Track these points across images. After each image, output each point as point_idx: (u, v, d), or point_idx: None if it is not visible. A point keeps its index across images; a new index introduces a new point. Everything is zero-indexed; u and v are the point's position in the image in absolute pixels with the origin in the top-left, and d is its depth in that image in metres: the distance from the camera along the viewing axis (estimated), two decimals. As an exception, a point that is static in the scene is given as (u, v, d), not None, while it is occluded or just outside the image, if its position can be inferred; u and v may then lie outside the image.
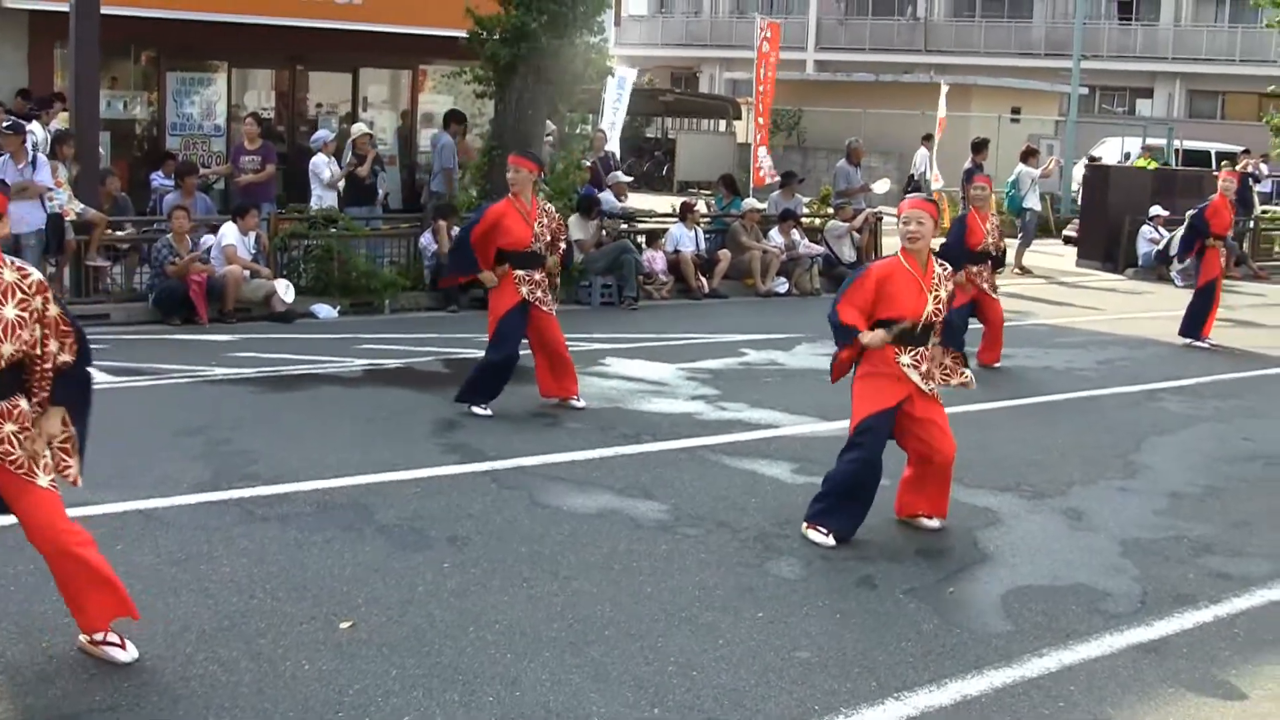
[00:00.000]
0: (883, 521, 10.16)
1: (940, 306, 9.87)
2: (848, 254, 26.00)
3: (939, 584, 9.09)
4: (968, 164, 26.42)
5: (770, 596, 8.67)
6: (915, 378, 9.81)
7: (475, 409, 13.52)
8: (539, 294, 13.55)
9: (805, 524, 9.92)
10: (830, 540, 9.75)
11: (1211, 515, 11.20)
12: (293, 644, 7.56)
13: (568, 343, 13.93)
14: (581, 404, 13.91)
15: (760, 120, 31.62)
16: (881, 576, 9.18)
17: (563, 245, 14.13)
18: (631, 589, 8.66)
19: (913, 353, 9.83)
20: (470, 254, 13.44)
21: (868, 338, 9.71)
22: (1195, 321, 20.16)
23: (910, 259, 9.81)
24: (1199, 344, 20.03)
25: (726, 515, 10.38)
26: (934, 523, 10.24)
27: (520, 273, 13.42)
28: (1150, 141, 45.62)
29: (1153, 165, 35.12)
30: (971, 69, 59.47)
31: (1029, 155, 31.42)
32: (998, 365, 17.41)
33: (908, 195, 13.25)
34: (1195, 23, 67.81)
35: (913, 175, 34.11)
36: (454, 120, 24.34)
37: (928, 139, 34.85)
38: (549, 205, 14.06)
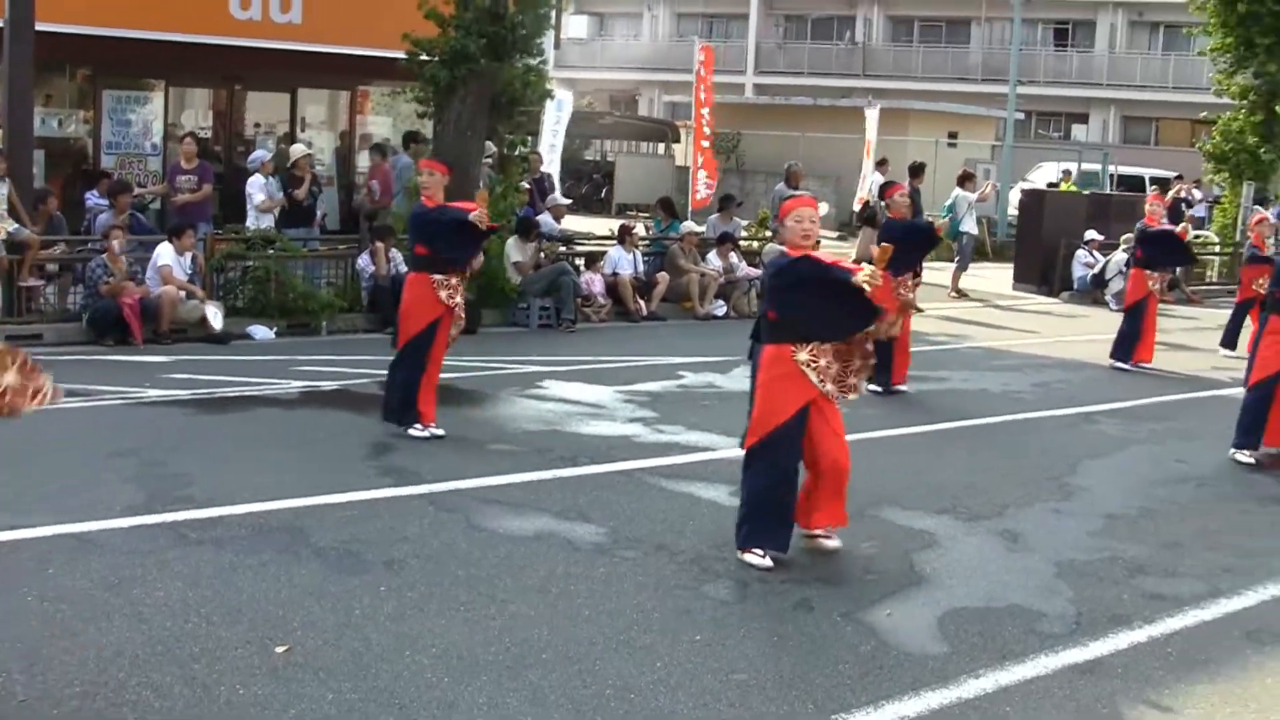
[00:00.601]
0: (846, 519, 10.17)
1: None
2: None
3: (876, 606, 9.10)
4: (883, 178, 26.56)
5: (708, 619, 8.66)
6: (812, 376, 9.74)
7: (413, 430, 13.49)
8: (457, 299, 13.53)
9: (739, 550, 9.91)
10: (768, 561, 9.75)
11: (1145, 536, 11.26)
12: (228, 668, 7.50)
13: (505, 365, 13.89)
14: (441, 432, 13.69)
15: (705, 144, 31.68)
16: (819, 599, 9.18)
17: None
18: (569, 612, 8.63)
19: (810, 349, 9.78)
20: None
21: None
22: (1125, 345, 20.28)
23: (801, 255, 9.82)
24: (1124, 367, 20.12)
25: (664, 538, 10.37)
26: (833, 542, 10.14)
27: (438, 277, 13.41)
28: (1086, 166, 45.90)
29: (1072, 188, 35.41)
30: (909, 93, 59.80)
31: (965, 179, 31.53)
32: (902, 387, 17.42)
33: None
34: (1129, 50, 68.28)
35: (868, 202, 34.05)
36: (413, 140, 24.30)
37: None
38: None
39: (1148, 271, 20.29)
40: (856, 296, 9.51)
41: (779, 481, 9.81)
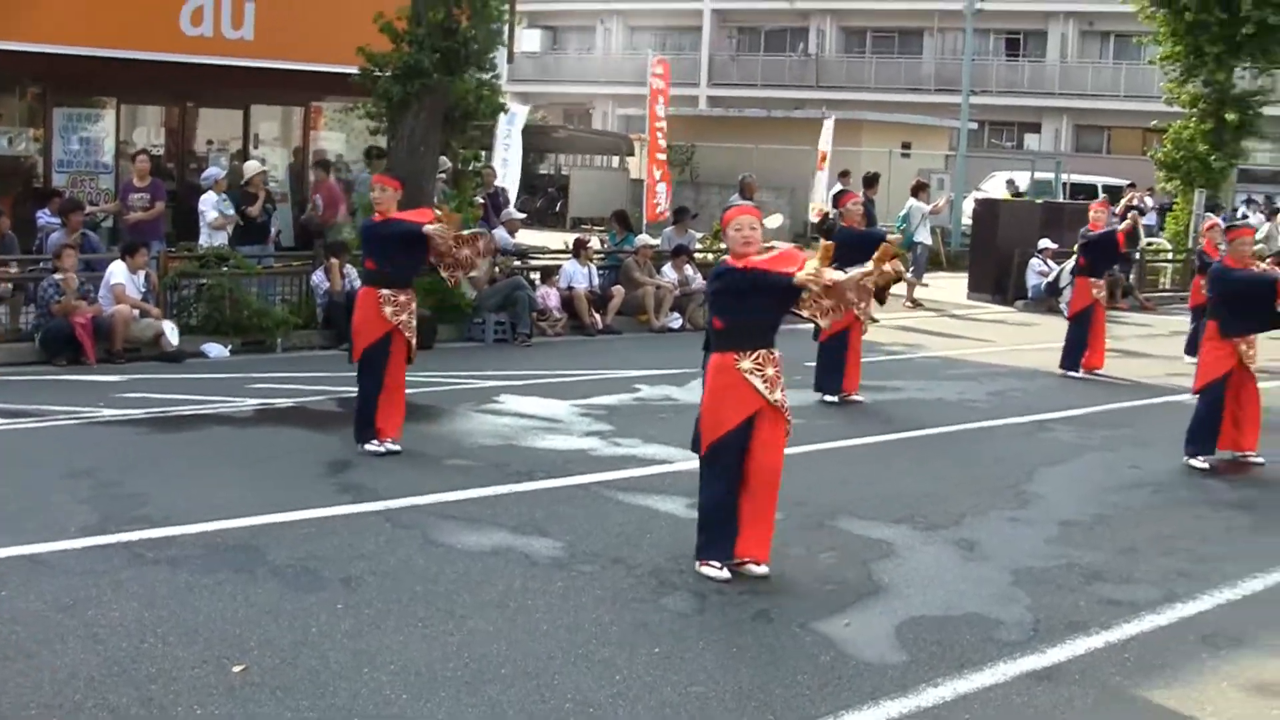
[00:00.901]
0: (776, 555, 10.15)
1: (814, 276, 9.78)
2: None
3: (834, 616, 9.11)
4: (838, 187, 26.62)
5: (666, 632, 8.66)
6: (758, 384, 9.71)
7: (369, 446, 13.46)
8: (404, 317, 13.51)
9: (698, 561, 9.90)
10: (725, 574, 9.75)
11: (1101, 543, 11.31)
12: (184, 688, 7.47)
13: (461, 380, 13.86)
14: (397, 448, 13.60)
15: (661, 156, 31.71)
16: (777, 610, 9.18)
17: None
18: (527, 627, 8.62)
19: (753, 356, 9.76)
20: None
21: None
22: (1073, 353, 20.39)
23: (742, 265, 9.83)
24: (1075, 375, 20.22)
25: (621, 551, 10.37)
26: (761, 569, 9.95)
27: (386, 291, 13.40)
28: (1039, 175, 46.02)
29: (1014, 198, 35.65)
30: (862, 104, 59.83)
31: (919, 189, 31.61)
32: (857, 397, 17.45)
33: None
34: (1081, 59, 68.62)
35: (827, 215, 34.06)
36: (375, 155, 24.24)
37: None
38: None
39: (1092, 279, 20.40)
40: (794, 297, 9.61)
41: (729, 496, 9.80)
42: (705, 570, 9.80)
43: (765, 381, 9.72)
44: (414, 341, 13.71)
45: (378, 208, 13.75)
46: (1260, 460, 14.51)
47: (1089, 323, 20.39)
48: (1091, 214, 21.09)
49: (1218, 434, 14.50)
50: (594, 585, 9.55)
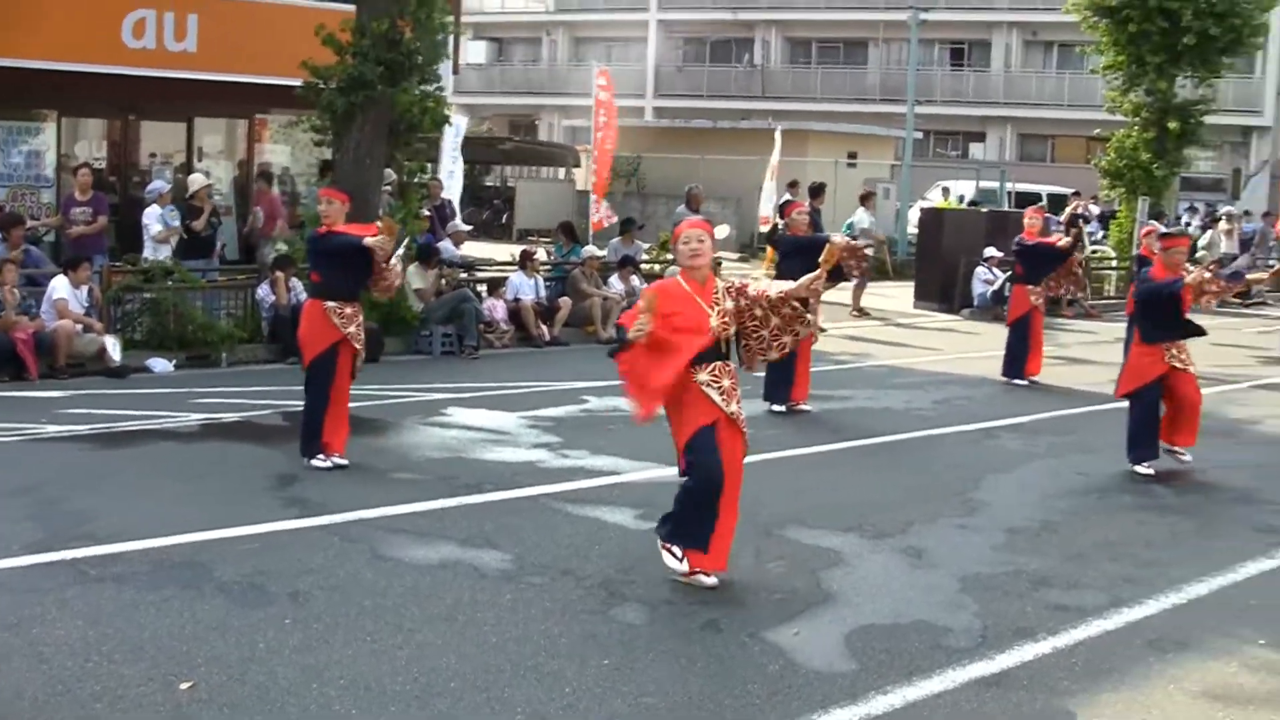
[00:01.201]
0: (727, 565, 10.16)
1: (727, 320, 9.83)
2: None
3: (783, 625, 9.11)
4: (785, 196, 26.70)
5: (616, 643, 8.65)
6: (715, 396, 9.73)
7: (315, 461, 13.42)
8: (352, 329, 13.48)
9: (661, 543, 9.85)
10: (684, 565, 9.75)
11: (1048, 549, 11.36)
12: (131, 706, 7.43)
13: (408, 393, 13.83)
14: (344, 462, 13.57)
15: (594, 168, 31.69)
16: (726, 620, 9.18)
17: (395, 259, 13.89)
18: (476, 639, 8.60)
19: (709, 368, 9.78)
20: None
21: (633, 329, 9.66)
22: (1014, 361, 20.48)
23: (689, 279, 9.87)
24: (1018, 382, 20.31)
25: (570, 563, 10.35)
26: (711, 580, 9.96)
27: (331, 304, 13.37)
28: (984, 184, 46.24)
29: (952, 206, 35.86)
30: (808, 115, 60.02)
31: (866, 199, 31.71)
32: (805, 406, 17.48)
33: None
34: (1025, 69, 68.95)
35: (776, 225, 34.11)
36: (329, 169, 24.13)
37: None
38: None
39: (1029, 287, 20.50)
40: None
41: (705, 481, 9.76)
42: (665, 557, 9.79)
43: (722, 393, 9.74)
44: (361, 353, 13.68)
45: (324, 220, 13.73)
46: (1187, 458, 14.55)
47: (1028, 330, 20.48)
48: (1026, 221, 21.15)
49: (1157, 438, 14.56)
50: (543, 597, 9.53)
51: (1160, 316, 14.39)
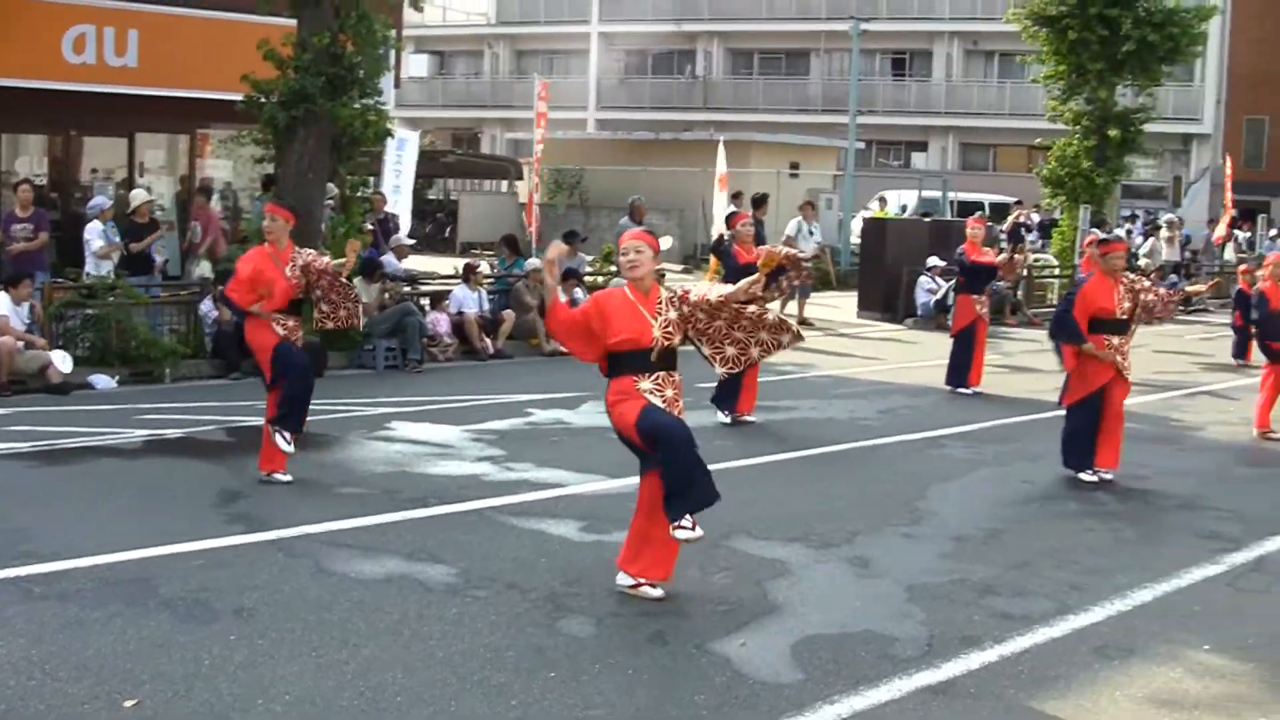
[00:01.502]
0: (672, 577, 10.16)
1: (671, 330, 9.83)
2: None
3: (730, 636, 9.11)
4: (730, 208, 26.75)
5: (562, 656, 8.64)
6: (657, 403, 9.72)
7: (281, 440, 13.34)
8: (293, 340, 13.51)
9: (672, 528, 9.66)
10: (697, 533, 9.58)
11: (994, 557, 11.39)
12: (75, 724, 7.39)
13: (352, 407, 13.81)
14: (287, 478, 13.54)
15: (536, 181, 31.72)
16: (672, 631, 9.18)
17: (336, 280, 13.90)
18: (422, 654, 8.58)
19: (653, 378, 9.77)
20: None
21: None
22: (958, 370, 20.56)
23: (634, 289, 9.87)
24: (963, 391, 20.40)
25: (516, 576, 10.34)
26: (657, 591, 9.94)
27: (277, 315, 13.38)
28: (926, 193, 46.40)
29: (888, 214, 36.06)
30: (751, 125, 60.22)
31: (806, 208, 31.79)
32: (750, 417, 17.52)
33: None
34: (966, 78, 69.25)
35: (723, 236, 34.11)
36: (273, 183, 24.07)
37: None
38: (305, 250, 14.01)
39: (974, 296, 20.60)
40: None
41: (681, 457, 9.66)
42: (677, 534, 9.56)
43: (664, 402, 9.73)
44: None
45: (268, 237, 13.68)
46: (1109, 478, 14.58)
47: (972, 340, 20.56)
48: (969, 231, 21.23)
49: (1093, 446, 14.56)
50: (489, 611, 9.52)
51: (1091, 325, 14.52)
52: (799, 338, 10.49)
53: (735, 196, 33.91)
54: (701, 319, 10.04)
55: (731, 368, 10.33)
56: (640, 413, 9.67)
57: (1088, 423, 14.54)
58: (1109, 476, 14.53)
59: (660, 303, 9.86)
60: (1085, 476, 14.46)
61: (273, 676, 8.12)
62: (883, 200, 43.02)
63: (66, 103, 25.18)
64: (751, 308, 10.13)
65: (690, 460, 9.61)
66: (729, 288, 10.05)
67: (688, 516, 9.57)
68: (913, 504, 13.24)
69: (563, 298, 9.97)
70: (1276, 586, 10.93)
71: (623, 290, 9.92)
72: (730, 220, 19.33)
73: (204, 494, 12.89)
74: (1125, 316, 14.46)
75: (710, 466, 9.93)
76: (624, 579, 9.98)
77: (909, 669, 8.58)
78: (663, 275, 10.15)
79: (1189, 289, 16.44)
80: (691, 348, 10.20)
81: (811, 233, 31.49)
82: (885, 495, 13.64)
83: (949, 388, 20.55)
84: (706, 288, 10.10)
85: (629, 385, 9.76)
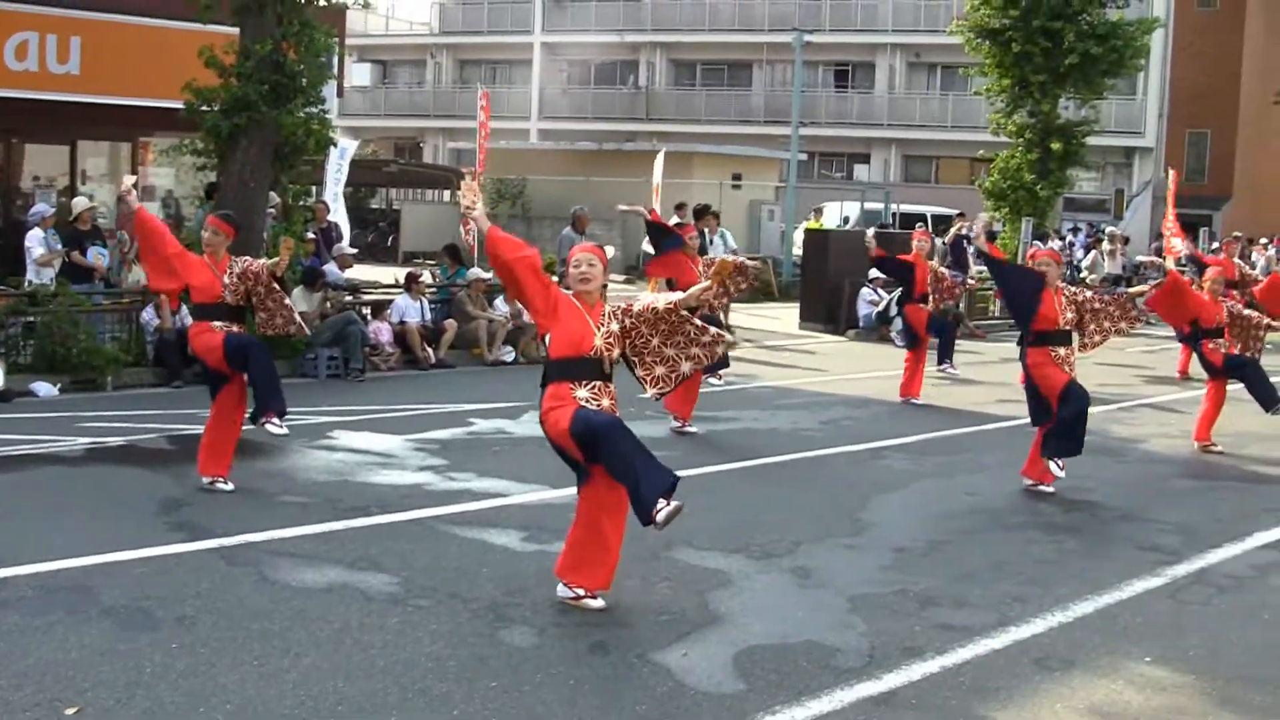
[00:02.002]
0: (613, 587, 10.17)
1: (612, 342, 9.84)
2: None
3: (671, 646, 9.12)
4: (674, 219, 26.77)
5: (504, 665, 8.64)
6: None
7: (273, 426, 13.39)
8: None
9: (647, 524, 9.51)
10: (672, 505, 9.34)
11: (936, 569, 11.41)
12: (15, 732, 7.36)
13: (294, 415, 13.76)
14: (229, 486, 13.46)
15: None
16: (614, 641, 9.19)
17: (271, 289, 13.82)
18: (364, 663, 8.57)
19: (590, 386, 9.76)
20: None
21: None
22: (945, 347, 20.81)
23: (580, 299, 9.88)
24: (914, 402, 20.53)
25: (457, 586, 10.33)
26: (598, 603, 9.90)
27: (218, 324, 13.36)
28: (869, 205, 46.55)
29: (821, 226, 36.28)
30: (693, 136, 60.18)
31: (709, 218, 31.62)
32: (691, 428, 17.54)
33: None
34: (909, 91, 69.47)
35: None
36: (215, 191, 23.94)
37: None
38: (245, 258, 13.95)
39: (920, 305, 20.78)
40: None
41: (625, 450, 9.58)
42: (661, 517, 9.36)
43: (600, 411, 9.74)
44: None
45: (206, 249, 13.64)
46: (1050, 490, 14.58)
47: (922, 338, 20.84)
48: (915, 244, 21.37)
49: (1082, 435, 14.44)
50: (430, 620, 9.51)
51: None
52: (734, 345, 10.47)
53: (679, 207, 33.94)
54: (643, 332, 10.03)
55: (662, 388, 10.23)
56: (573, 416, 9.64)
57: (1078, 413, 14.38)
58: (1050, 489, 14.53)
59: (604, 315, 9.89)
60: (1054, 467, 14.34)
61: (214, 685, 8.09)
62: (818, 211, 43.09)
63: (8, 109, 25.07)
64: (694, 321, 10.11)
65: (633, 449, 9.52)
66: (678, 295, 10.03)
67: (660, 506, 9.37)
68: (855, 515, 13.27)
69: None
70: (1217, 598, 10.99)
71: (570, 298, 9.93)
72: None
73: (146, 502, 12.84)
74: (1069, 327, 14.50)
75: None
76: (564, 590, 9.98)
77: (851, 680, 8.60)
78: (605, 286, 10.11)
79: (1131, 290, 16.44)
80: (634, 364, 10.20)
81: (713, 241, 31.35)
82: (827, 506, 13.67)
83: (941, 369, 20.79)
84: (651, 297, 10.09)
85: (565, 392, 9.74)
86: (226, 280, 13.43)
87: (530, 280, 9.87)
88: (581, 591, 9.92)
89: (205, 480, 13.32)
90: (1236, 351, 17.37)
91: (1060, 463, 14.35)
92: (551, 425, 9.81)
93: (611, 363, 9.91)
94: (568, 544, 10.11)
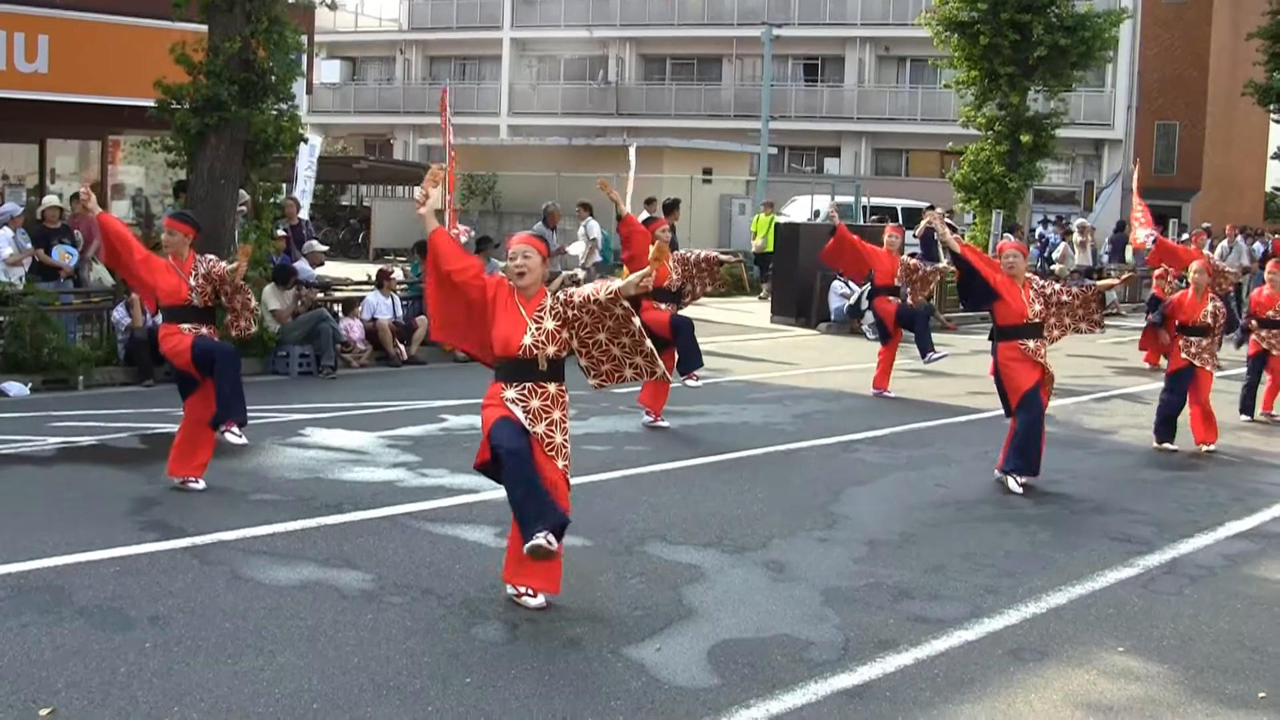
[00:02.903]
0: (586, 582, 10.19)
1: (544, 339, 9.62)
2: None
3: (645, 641, 9.13)
4: (644, 214, 26.80)
5: (478, 661, 8.65)
6: (520, 415, 9.61)
7: (232, 435, 13.39)
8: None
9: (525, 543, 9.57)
10: (550, 543, 9.37)
11: (909, 561, 11.44)
12: (-11, 733, 7.35)
13: (266, 413, 13.74)
14: (201, 485, 13.46)
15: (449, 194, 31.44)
16: (588, 637, 9.19)
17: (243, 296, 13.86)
18: (338, 660, 8.57)
19: (518, 387, 9.67)
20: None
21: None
22: (922, 337, 20.89)
23: (519, 293, 9.75)
24: (887, 394, 20.57)
25: (431, 582, 10.33)
26: (538, 600, 9.81)
27: (186, 326, 13.31)
28: (839, 199, 46.53)
29: (770, 220, 36.36)
30: (663, 131, 60.26)
31: (581, 208, 31.62)
32: (663, 423, 17.57)
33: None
34: (879, 84, 69.53)
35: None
36: (183, 190, 23.82)
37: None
38: (206, 256, 13.81)
39: (887, 297, 20.89)
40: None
41: (511, 478, 9.60)
42: (530, 547, 9.38)
43: (528, 413, 9.63)
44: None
45: (168, 251, 13.58)
46: (1019, 490, 14.44)
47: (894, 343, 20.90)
48: (886, 239, 21.42)
49: (1038, 452, 14.48)
50: (405, 617, 9.51)
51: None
52: (666, 380, 10.36)
53: (649, 202, 33.94)
54: (586, 323, 9.77)
55: (605, 382, 10.15)
56: (492, 427, 9.67)
57: (1031, 427, 14.44)
58: (1018, 489, 14.43)
59: (541, 309, 9.70)
60: (1013, 484, 14.37)
61: (188, 684, 8.09)
62: (769, 205, 42.87)
63: (-25, 108, 25.01)
64: (636, 323, 9.93)
65: (521, 485, 9.52)
66: (618, 283, 9.87)
67: (540, 537, 9.37)
68: (827, 508, 13.29)
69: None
70: (1189, 588, 11.02)
71: (510, 290, 9.83)
72: (649, 227, 19.35)
73: (118, 501, 12.81)
74: (1038, 319, 14.51)
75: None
76: (509, 589, 9.93)
77: (824, 673, 8.62)
78: (577, 281, 10.07)
79: (1099, 284, 16.43)
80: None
81: (583, 231, 31.24)
82: (800, 500, 13.68)
83: (927, 360, 20.83)
84: (593, 286, 9.94)
85: (496, 392, 9.74)
86: (193, 281, 13.38)
87: (473, 292, 9.86)
88: (523, 589, 9.87)
89: (176, 480, 13.30)
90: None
91: (1020, 480, 14.38)
92: (483, 425, 9.85)
93: (549, 359, 9.72)
94: (510, 545, 10.02)
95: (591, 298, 9.70)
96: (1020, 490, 14.30)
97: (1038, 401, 14.42)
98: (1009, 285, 14.51)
